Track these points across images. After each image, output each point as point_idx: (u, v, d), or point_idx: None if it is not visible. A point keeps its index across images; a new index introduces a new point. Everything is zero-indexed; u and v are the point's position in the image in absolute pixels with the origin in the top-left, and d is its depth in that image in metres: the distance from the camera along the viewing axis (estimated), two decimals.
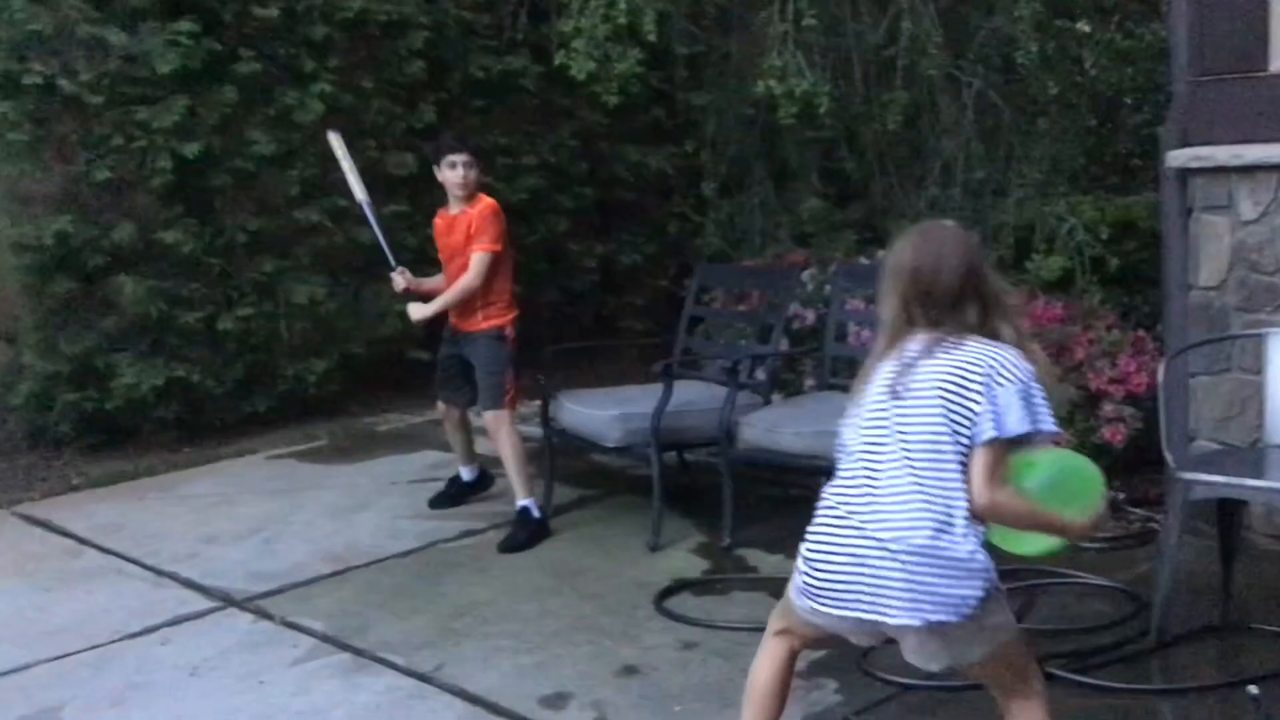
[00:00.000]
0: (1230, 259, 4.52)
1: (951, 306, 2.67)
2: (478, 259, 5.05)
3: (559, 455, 5.51)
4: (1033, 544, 2.64)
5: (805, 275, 6.31)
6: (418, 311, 5.23)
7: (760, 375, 5.51)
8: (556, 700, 3.69)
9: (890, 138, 6.27)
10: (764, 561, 4.75)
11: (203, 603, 4.60)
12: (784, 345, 5.78)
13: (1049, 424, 2.58)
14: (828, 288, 6.01)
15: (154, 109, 6.56)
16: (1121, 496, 5.05)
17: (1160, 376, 4.13)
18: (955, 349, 2.64)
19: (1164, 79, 5.45)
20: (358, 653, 4.09)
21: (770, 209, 7.12)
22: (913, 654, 2.68)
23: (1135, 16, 6.60)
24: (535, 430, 5.74)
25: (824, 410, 4.51)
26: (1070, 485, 2.60)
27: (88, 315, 6.65)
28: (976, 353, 2.63)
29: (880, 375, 2.71)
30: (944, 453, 2.57)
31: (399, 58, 7.46)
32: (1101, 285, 5.55)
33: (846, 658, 3.76)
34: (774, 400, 5.48)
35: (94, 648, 4.23)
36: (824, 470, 2.91)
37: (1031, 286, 5.55)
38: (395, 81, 7.49)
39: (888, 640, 2.74)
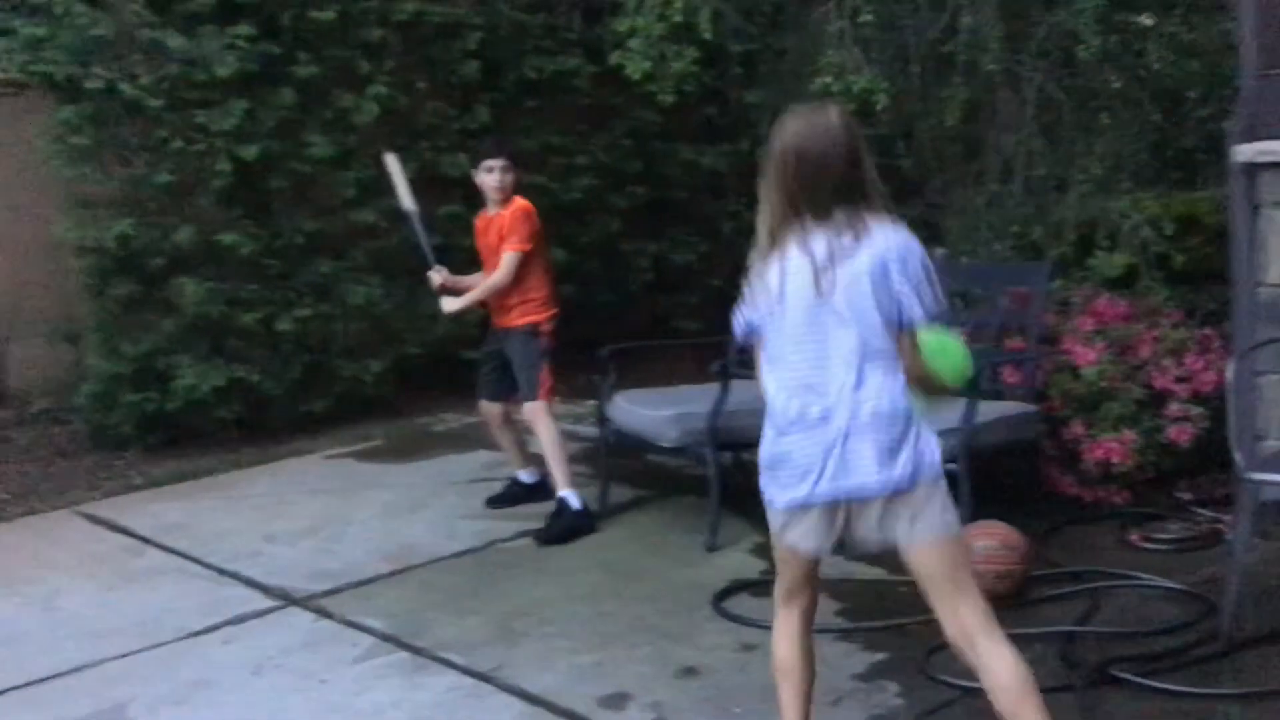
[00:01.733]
0: None
1: (843, 193, 2.70)
2: (507, 258, 5.25)
3: (615, 455, 5.51)
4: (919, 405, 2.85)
5: None
6: (450, 305, 5.44)
7: None
8: (616, 701, 3.69)
9: (948, 134, 6.21)
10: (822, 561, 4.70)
11: (264, 601, 4.64)
12: None
13: (943, 302, 2.82)
14: None
15: (213, 112, 6.64)
16: (1188, 497, 4.97)
17: (1228, 375, 4.06)
18: (868, 237, 2.69)
19: (1229, 72, 5.35)
20: (417, 652, 4.11)
21: None
22: (874, 528, 2.75)
23: (1200, 10, 6.48)
24: (591, 430, 5.73)
25: None
26: (950, 357, 2.81)
27: (148, 317, 6.72)
28: (887, 238, 2.71)
29: (795, 273, 2.73)
30: (879, 335, 2.71)
31: (453, 59, 7.49)
32: (1166, 282, 5.46)
33: (909, 660, 3.73)
34: None
35: (158, 646, 4.28)
36: None
37: (1095, 283, 5.47)
38: (449, 83, 7.53)
39: (839, 543, 2.82)
